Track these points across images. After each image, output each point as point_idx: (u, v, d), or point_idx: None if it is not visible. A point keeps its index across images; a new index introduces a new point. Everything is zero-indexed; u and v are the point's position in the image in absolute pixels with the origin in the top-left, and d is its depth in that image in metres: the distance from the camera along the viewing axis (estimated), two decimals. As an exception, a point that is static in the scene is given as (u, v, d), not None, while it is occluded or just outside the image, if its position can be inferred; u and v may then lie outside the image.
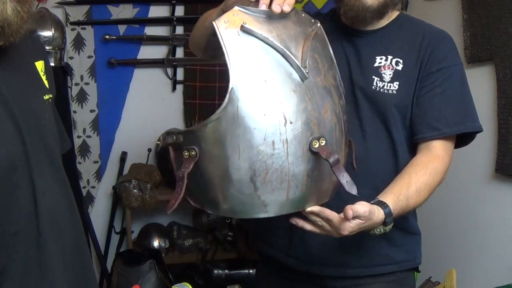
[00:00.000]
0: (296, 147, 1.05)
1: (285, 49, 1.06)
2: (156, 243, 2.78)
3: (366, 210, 1.11)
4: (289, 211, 1.11)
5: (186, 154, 1.07)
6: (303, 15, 1.20)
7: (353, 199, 1.12)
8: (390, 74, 1.35)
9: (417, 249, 1.48)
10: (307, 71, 1.08)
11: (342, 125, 1.15)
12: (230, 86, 1.02)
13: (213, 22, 1.05)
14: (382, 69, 1.35)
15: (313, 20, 1.20)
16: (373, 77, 1.35)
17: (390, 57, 1.36)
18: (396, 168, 1.36)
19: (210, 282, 2.76)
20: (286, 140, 1.04)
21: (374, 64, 1.36)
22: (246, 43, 1.05)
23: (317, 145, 1.06)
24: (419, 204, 1.28)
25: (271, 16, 1.09)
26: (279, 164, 1.04)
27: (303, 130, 1.06)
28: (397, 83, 1.34)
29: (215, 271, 2.77)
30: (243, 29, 1.05)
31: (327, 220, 1.12)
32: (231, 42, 1.03)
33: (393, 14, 1.41)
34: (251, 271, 2.72)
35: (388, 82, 1.34)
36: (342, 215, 1.11)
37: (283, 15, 1.10)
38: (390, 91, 1.34)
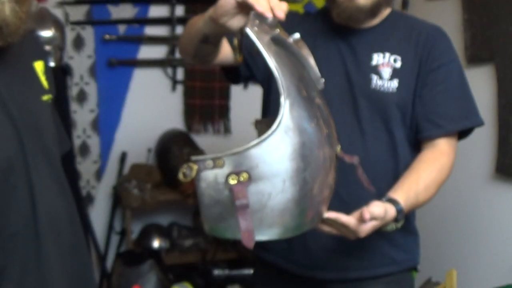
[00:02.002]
0: (332, 155, 1.04)
1: (307, 60, 1.04)
2: (156, 243, 2.78)
3: (381, 211, 1.13)
4: (318, 222, 1.10)
5: (233, 179, 0.94)
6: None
7: (356, 201, 1.16)
8: (389, 72, 1.34)
9: (416, 249, 1.48)
10: (324, 81, 1.08)
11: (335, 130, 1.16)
12: (283, 98, 0.95)
13: (248, 31, 0.99)
14: (381, 67, 1.35)
15: (285, 31, 1.16)
16: (372, 75, 1.34)
17: (387, 54, 1.35)
18: (396, 167, 1.36)
19: (210, 282, 2.75)
20: (327, 149, 1.02)
21: (371, 62, 1.35)
22: (279, 52, 1.01)
23: (339, 151, 1.07)
24: (428, 200, 1.29)
25: (276, 25, 1.05)
26: (323, 175, 1.02)
27: (332, 139, 1.05)
28: (397, 80, 1.34)
29: (215, 271, 2.77)
30: (274, 37, 1.01)
31: (343, 226, 1.12)
32: (269, 51, 0.98)
33: (386, 12, 1.40)
34: (251, 271, 2.72)
35: (387, 80, 1.34)
36: (354, 215, 1.12)
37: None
38: (390, 89, 1.34)
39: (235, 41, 1.14)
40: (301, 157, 0.96)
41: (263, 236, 1.00)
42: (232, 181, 0.94)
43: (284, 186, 0.96)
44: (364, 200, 1.17)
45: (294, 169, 0.95)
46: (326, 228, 1.15)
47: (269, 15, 0.98)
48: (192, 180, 0.95)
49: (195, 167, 0.95)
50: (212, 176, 0.95)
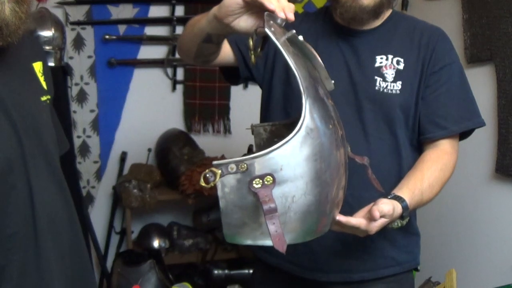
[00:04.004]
0: (346, 156, 1.03)
1: (320, 61, 1.03)
2: (156, 243, 2.78)
3: (390, 208, 1.15)
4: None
5: (257, 183, 0.91)
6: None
7: (360, 205, 1.17)
8: (392, 74, 1.34)
9: (417, 249, 1.49)
10: (333, 81, 1.07)
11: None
12: (304, 99, 0.93)
13: (268, 31, 0.95)
14: (384, 69, 1.35)
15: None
16: (375, 77, 1.34)
17: (390, 56, 1.35)
18: (400, 168, 1.37)
19: (210, 282, 2.75)
20: (343, 150, 1.02)
21: (375, 64, 1.35)
22: (296, 53, 0.99)
23: (350, 151, 1.08)
24: (431, 198, 1.31)
25: (282, 25, 1.02)
26: (341, 176, 1.01)
27: (345, 140, 1.05)
28: (400, 82, 1.34)
29: (215, 271, 2.77)
30: (290, 38, 0.99)
31: (354, 227, 1.13)
32: (288, 52, 0.96)
33: (387, 13, 1.40)
34: (251, 271, 2.72)
35: (391, 82, 1.34)
36: (361, 213, 1.14)
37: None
38: (393, 91, 1.34)
39: (250, 43, 1.09)
40: (322, 158, 0.94)
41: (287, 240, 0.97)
42: (257, 185, 0.90)
43: (307, 188, 0.94)
44: (368, 202, 1.17)
45: (317, 170, 0.94)
46: (336, 228, 1.15)
47: (281, 15, 0.97)
48: (213, 185, 0.92)
49: (218, 171, 0.91)
50: (234, 180, 0.92)
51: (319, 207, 0.97)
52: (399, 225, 1.22)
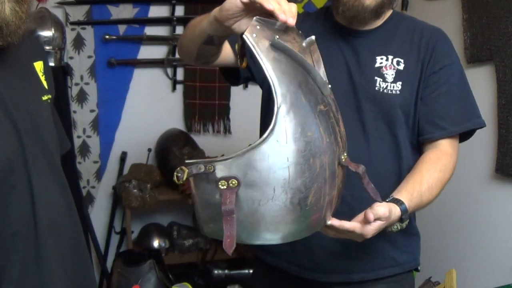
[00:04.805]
0: (333, 164, 1.01)
1: (312, 65, 1.02)
2: (156, 243, 2.78)
3: (386, 211, 1.12)
4: (320, 228, 1.08)
5: (223, 184, 0.95)
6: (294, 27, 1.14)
7: (360, 205, 1.15)
8: (392, 74, 1.34)
9: (417, 249, 1.48)
10: (330, 86, 1.05)
11: (344, 136, 1.13)
12: (276, 106, 0.94)
13: (246, 37, 0.97)
14: (384, 69, 1.34)
15: (300, 32, 1.12)
16: (375, 78, 1.34)
17: (390, 57, 1.35)
18: (400, 169, 1.36)
19: (210, 282, 2.75)
20: (327, 158, 1.00)
21: (375, 64, 1.35)
22: (279, 59, 0.98)
23: (344, 159, 1.05)
24: (431, 200, 1.29)
25: (285, 29, 1.02)
26: (321, 184, 0.99)
27: (336, 146, 1.03)
28: (400, 83, 1.34)
29: (215, 271, 2.77)
30: (274, 43, 0.98)
31: (349, 231, 1.12)
32: (267, 58, 0.96)
33: (387, 13, 1.40)
34: (251, 271, 2.72)
35: (391, 83, 1.34)
36: (357, 219, 1.12)
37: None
38: (393, 92, 1.34)
39: (237, 47, 1.11)
40: (293, 166, 0.94)
41: (258, 240, 1.01)
42: (222, 186, 0.95)
43: (274, 194, 0.95)
44: (369, 203, 1.16)
45: (286, 178, 0.95)
46: (331, 233, 1.14)
47: (282, 17, 0.96)
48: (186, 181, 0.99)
49: (186, 170, 0.97)
50: (205, 179, 0.97)
51: (293, 212, 0.97)
52: (399, 228, 1.20)
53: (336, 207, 1.09)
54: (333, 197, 1.04)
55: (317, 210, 1.01)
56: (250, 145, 0.94)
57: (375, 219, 1.10)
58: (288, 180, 0.95)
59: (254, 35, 0.97)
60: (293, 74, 0.99)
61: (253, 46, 0.96)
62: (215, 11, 1.07)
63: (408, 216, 1.20)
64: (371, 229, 1.12)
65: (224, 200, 0.94)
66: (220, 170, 0.95)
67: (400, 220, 1.19)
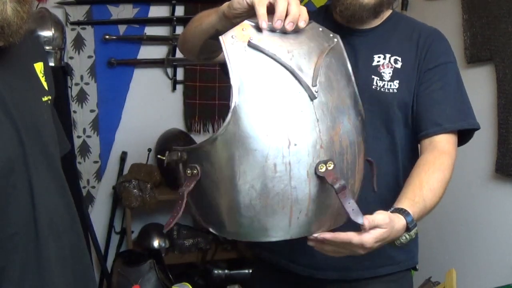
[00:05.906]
0: (300, 170, 0.99)
1: (293, 67, 1.00)
2: (156, 243, 2.78)
3: (385, 217, 1.06)
4: (294, 236, 1.05)
5: (188, 172, 1.03)
6: (320, 29, 1.13)
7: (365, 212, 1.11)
8: (389, 73, 1.34)
9: (415, 248, 1.48)
10: (316, 90, 1.02)
11: (355, 148, 1.08)
12: (233, 104, 0.97)
13: (220, 37, 1.00)
14: (381, 67, 1.34)
15: (331, 35, 1.13)
16: (373, 76, 1.34)
17: (388, 55, 1.35)
18: (396, 168, 1.36)
19: (210, 282, 2.76)
20: (289, 163, 0.98)
21: (372, 63, 1.35)
22: (253, 59, 0.99)
23: (323, 169, 1.00)
24: (437, 202, 1.24)
25: (284, 31, 1.03)
26: (280, 188, 0.98)
27: (309, 153, 0.99)
28: (397, 81, 1.34)
29: (215, 271, 2.77)
30: (250, 44, 1.00)
31: (346, 244, 1.06)
32: (236, 58, 0.99)
33: (387, 13, 1.40)
34: (251, 271, 2.72)
35: (388, 81, 1.34)
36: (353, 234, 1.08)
37: (296, 30, 1.05)
38: (391, 90, 1.33)
39: None
40: (245, 164, 0.97)
41: (213, 228, 1.08)
42: (188, 173, 1.03)
43: (226, 188, 1.00)
44: (369, 203, 1.14)
45: (235, 176, 0.98)
46: (330, 249, 1.09)
47: (262, 25, 1.00)
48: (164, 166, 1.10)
49: (163, 157, 1.08)
50: (181, 165, 1.07)
51: (247, 210, 1.00)
52: (408, 238, 1.13)
53: (334, 220, 1.07)
54: (306, 208, 1.01)
55: (275, 214, 1.01)
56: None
57: (374, 227, 1.04)
58: (237, 179, 0.98)
59: (233, 36, 1.01)
60: (268, 75, 1.00)
61: (224, 48, 0.99)
62: (224, 7, 1.09)
63: (415, 224, 1.14)
64: (371, 237, 1.05)
65: (184, 185, 1.03)
66: (188, 158, 1.04)
67: (407, 229, 1.13)
